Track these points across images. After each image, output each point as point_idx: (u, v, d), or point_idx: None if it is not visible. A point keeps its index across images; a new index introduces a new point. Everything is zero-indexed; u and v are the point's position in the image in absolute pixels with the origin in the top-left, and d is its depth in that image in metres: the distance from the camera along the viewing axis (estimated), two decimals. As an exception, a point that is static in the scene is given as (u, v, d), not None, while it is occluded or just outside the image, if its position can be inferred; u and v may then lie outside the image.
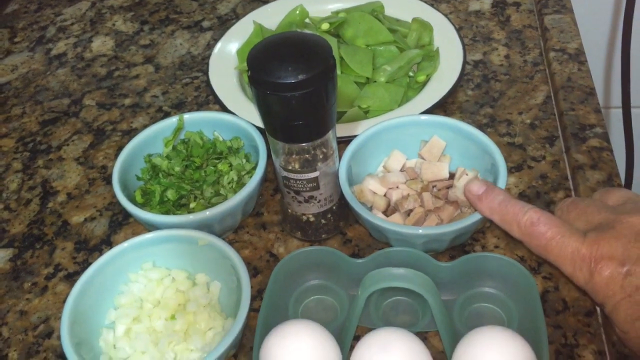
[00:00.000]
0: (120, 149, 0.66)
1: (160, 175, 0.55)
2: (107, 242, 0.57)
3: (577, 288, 0.49)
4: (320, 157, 0.49)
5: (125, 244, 0.48)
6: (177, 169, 0.55)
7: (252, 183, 0.51)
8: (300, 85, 0.43)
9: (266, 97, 0.45)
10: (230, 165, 0.55)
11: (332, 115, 0.48)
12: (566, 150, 0.59)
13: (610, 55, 1.01)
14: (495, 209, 0.45)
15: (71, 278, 0.55)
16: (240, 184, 0.54)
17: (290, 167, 0.49)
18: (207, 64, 0.70)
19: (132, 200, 0.53)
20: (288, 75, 0.43)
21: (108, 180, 0.63)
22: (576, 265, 0.41)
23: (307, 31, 0.67)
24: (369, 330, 0.46)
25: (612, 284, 0.39)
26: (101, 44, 0.81)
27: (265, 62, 0.44)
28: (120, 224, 0.59)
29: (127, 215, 0.59)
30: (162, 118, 0.69)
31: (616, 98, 1.02)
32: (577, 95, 0.63)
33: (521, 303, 0.46)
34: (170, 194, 0.53)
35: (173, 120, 0.58)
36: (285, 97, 0.44)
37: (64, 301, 0.53)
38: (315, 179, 0.50)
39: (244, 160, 0.56)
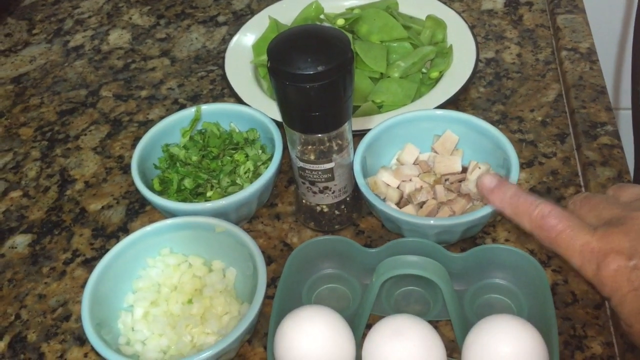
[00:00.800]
0: (137, 139, 0.67)
1: (178, 164, 0.56)
2: (124, 230, 0.58)
3: (586, 281, 0.49)
4: (336, 148, 0.50)
5: (144, 230, 0.49)
6: (195, 158, 0.56)
7: (268, 173, 0.53)
8: (319, 76, 0.44)
9: (285, 88, 0.46)
10: (247, 156, 0.56)
11: (349, 107, 0.49)
12: (577, 147, 0.60)
13: (620, 57, 1.02)
14: (506, 202, 0.46)
15: (89, 263, 0.56)
16: (256, 174, 0.56)
17: (306, 158, 0.50)
18: (222, 57, 0.71)
19: (150, 188, 0.54)
20: (307, 66, 0.44)
21: (125, 170, 0.64)
22: (585, 258, 0.41)
23: (323, 22, 0.68)
24: (381, 318, 0.47)
25: (618, 277, 0.39)
26: (118, 37, 0.82)
27: (285, 54, 0.45)
28: (137, 212, 0.60)
29: (143, 203, 0.60)
30: (178, 110, 0.70)
31: (626, 99, 1.03)
32: (589, 93, 0.64)
33: (531, 294, 0.47)
34: (188, 183, 0.54)
35: (190, 111, 0.59)
36: (304, 88, 0.45)
37: (82, 286, 0.54)
38: (331, 170, 0.51)
39: (260, 151, 0.57)
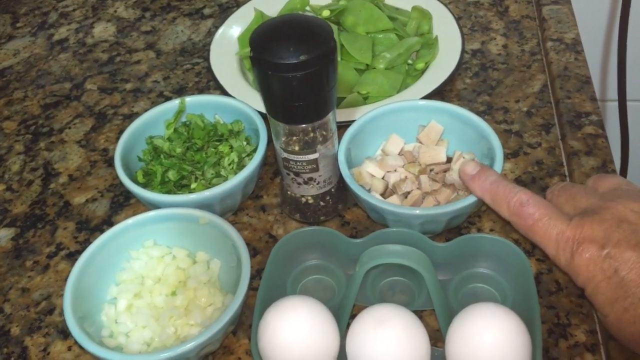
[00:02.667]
0: (121, 132, 0.67)
1: (162, 156, 0.56)
2: (109, 223, 0.58)
3: (561, 271, 0.50)
4: (320, 139, 0.50)
5: (127, 222, 0.49)
6: (179, 150, 0.56)
7: (253, 164, 0.52)
8: (302, 66, 0.44)
9: (268, 78, 0.45)
10: (231, 147, 0.56)
11: (332, 97, 0.48)
12: (562, 137, 0.60)
13: (607, 49, 1.02)
14: (486, 189, 0.46)
15: (73, 257, 0.56)
16: (241, 166, 0.55)
17: (290, 149, 0.50)
18: (208, 50, 0.71)
19: (134, 180, 0.54)
20: (289, 55, 0.44)
21: (109, 163, 0.64)
22: (559, 247, 0.42)
23: (308, 14, 0.67)
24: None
25: (592, 265, 0.40)
26: (103, 30, 0.81)
27: (267, 43, 0.45)
28: (122, 205, 0.59)
29: (128, 196, 0.60)
30: (163, 102, 0.69)
31: (612, 91, 1.03)
32: (574, 84, 0.64)
33: (515, 283, 0.47)
34: (172, 175, 0.54)
35: (175, 103, 0.59)
36: (287, 77, 0.44)
37: (66, 279, 0.53)
38: (315, 161, 0.51)
39: (245, 143, 0.57)
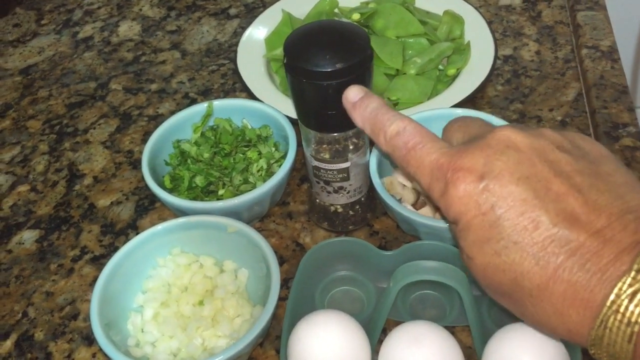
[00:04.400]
0: (146, 134, 0.66)
1: (189, 161, 0.55)
2: (133, 227, 0.57)
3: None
4: (351, 147, 0.49)
5: (155, 228, 0.48)
6: (206, 155, 0.55)
7: (282, 171, 0.51)
8: (338, 74, 0.43)
9: (302, 85, 0.44)
10: (260, 153, 0.55)
11: (366, 105, 0.47)
12: (598, 148, 0.58)
13: (638, 56, 1.00)
14: (366, 118, 0.39)
15: (97, 261, 0.55)
16: (269, 173, 0.54)
17: (320, 157, 0.49)
18: (234, 51, 0.70)
19: (161, 185, 0.53)
20: (325, 63, 0.42)
21: (134, 165, 0.63)
22: (433, 175, 0.35)
23: (344, 20, 0.66)
24: (397, 322, 0.46)
25: (466, 198, 0.33)
26: (128, 29, 0.81)
27: (302, 50, 0.44)
28: (147, 209, 0.59)
29: (153, 200, 0.59)
30: (189, 104, 0.69)
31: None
32: (610, 93, 0.62)
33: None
34: (199, 180, 0.53)
35: (202, 107, 0.58)
36: (322, 85, 0.43)
37: (90, 284, 0.53)
38: (346, 170, 0.50)
39: (273, 149, 0.56)
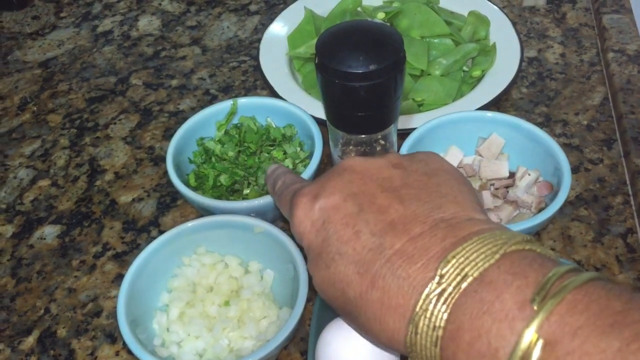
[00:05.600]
0: (167, 130, 0.66)
1: (214, 159, 0.54)
2: (155, 224, 0.57)
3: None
4: (378, 149, 0.48)
5: (182, 227, 0.48)
6: (231, 153, 0.54)
7: (309, 171, 0.51)
8: (371, 75, 0.42)
9: (333, 86, 0.44)
10: (285, 153, 0.54)
11: (397, 108, 0.47)
12: (625, 154, 0.58)
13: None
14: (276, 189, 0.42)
15: (119, 258, 0.55)
16: (295, 173, 0.54)
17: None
18: (255, 48, 0.69)
19: (186, 183, 0.53)
20: (359, 65, 0.42)
21: (155, 162, 0.63)
22: (282, 202, 0.39)
23: (377, 20, 0.65)
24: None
25: (304, 218, 0.34)
26: (147, 23, 0.80)
27: (335, 50, 0.43)
28: (169, 206, 0.58)
29: (175, 197, 0.59)
30: (210, 101, 0.68)
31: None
32: (637, 98, 0.62)
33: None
34: (224, 179, 0.53)
35: (227, 104, 0.57)
36: (354, 87, 0.43)
37: (113, 281, 0.53)
38: (374, 172, 0.49)
39: (298, 149, 0.55)
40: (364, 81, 0.42)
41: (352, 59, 0.42)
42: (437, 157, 0.37)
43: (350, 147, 0.48)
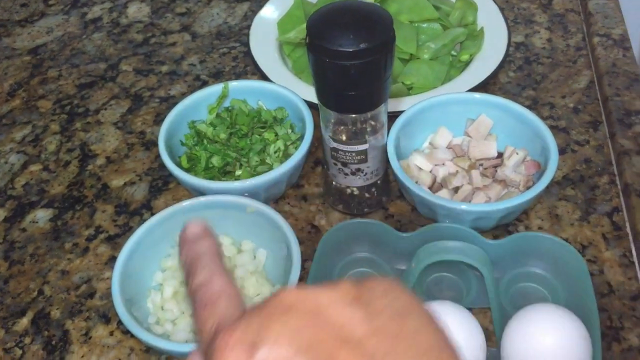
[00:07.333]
0: (158, 115, 0.66)
1: (205, 141, 0.55)
2: (148, 207, 0.57)
3: (623, 271, 0.49)
4: (369, 129, 0.49)
5: (176, 207, 0.48)
6: (223, 136, 0.55)
7: (300, 152, 0.51)
8: (361, 54, 0.43)
9: (324, 65, 0.44)
10: (276, 135, 0.55)
11: (387, 88, 0.47)
12: (611, 135, 0.59)
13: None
14: (189, 256, 0.30)
15: (112, 240, 0.55)
16: (286, 154, 0.54)
17: (338, 138, 0.49)
18: (245, 34, 0.70)
19: (178, 165, 0.53)
20: (349, 43, 0.42)
21: (147, 146, 0.63)
22: (209, 342, 0.26)
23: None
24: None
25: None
26: (137, 10, 0.80)
27: (325, 29, 0.44)
28: (160, 190, 0.59)
29: (167, 181, 0.59)
30: (200, 86, 0.68)
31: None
32: (622, 81, 0.63)
33: (568, 284, 0.46)
34: (216, 161, 0.53)
35: (218, 88, 0.58)
36: (344, 65, 0.43)
37: (106, 263, 0.53)
38: (364, 152, 0.50)
39: (289, 130, 0.56)
40: (354, 60, 0.43)
41: (343, 37, 0.43)
42: (402, 288, 0.27)
43: (341, 127, 0.49)
